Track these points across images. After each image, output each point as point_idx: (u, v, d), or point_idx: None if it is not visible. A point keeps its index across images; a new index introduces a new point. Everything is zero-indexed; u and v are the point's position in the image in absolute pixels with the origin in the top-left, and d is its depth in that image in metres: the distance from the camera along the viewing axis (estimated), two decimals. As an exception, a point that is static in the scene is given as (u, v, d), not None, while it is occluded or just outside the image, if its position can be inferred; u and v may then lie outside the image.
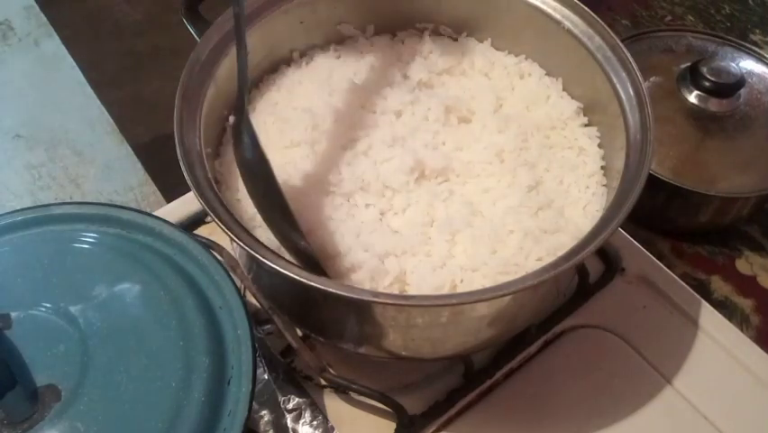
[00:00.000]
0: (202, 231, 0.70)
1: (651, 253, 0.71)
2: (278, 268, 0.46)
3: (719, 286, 0.75)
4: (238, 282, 0.53)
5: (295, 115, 0.60)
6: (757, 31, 1.00)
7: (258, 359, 0.52)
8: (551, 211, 0.56)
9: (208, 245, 0.55)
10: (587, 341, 0.65)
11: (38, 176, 0.84)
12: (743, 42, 0.83)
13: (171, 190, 0.79)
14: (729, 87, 0.75)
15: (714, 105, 0.76)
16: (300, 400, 0.60)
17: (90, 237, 0.53)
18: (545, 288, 0.56)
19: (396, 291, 0.52)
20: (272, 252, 0.48)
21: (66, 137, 0.87)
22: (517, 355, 0.63)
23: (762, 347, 0.64)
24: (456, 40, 0.69)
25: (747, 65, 0.81)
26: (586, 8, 0.61)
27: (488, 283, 0.52)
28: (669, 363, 0.63)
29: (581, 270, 0.67)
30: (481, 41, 0.68)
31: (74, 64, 0.94)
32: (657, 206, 0.75)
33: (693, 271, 0.76)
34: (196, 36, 0.60)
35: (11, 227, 0.54)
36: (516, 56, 0.67)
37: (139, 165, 0.85)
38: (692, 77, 0.77)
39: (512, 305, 0.53)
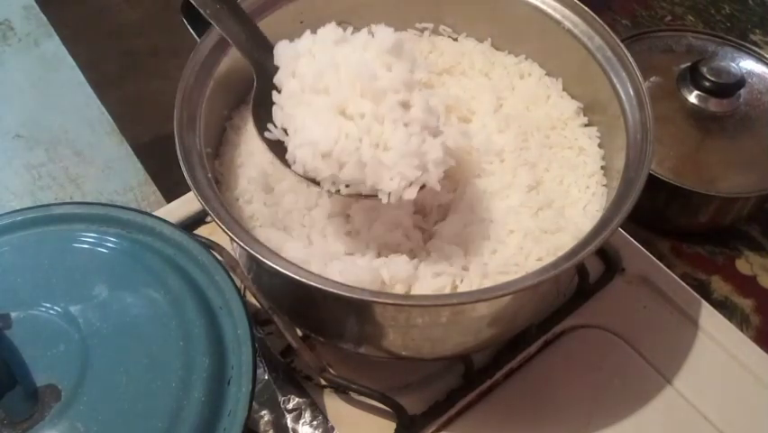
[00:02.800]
0: (202, 231, 0.70)
1: (651, 253, 0.71)
2: (278, 268, 0.46)
3: (719, 286, 0.75)
4: (238, 282, 0.53)
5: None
6: (757, 31, 1.00)
7: (258, 359, 0.52)
8: (551, 211, 0.56)
9: (208, 245, 0.55)
10: (587, 341, 0.65)
11: (38, 176, 0.84)
12: (743, 42, 0.83)
13: (171, 190, 0.79)
14: (729, 87, 0.75)
15: (714, 105, 0.76)
16: (300, 400, 0.60)
17: (90, 237, 0.53)
18: (545, 288, 0.56)
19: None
20: (272, 252, 0.48)
21: (66, 137, 0.87)
22: (517, 355, 0.63)
23: (762, 347, 0.64)
24: (456, 40, 0.69)
25: (747, 65, 0.81)
26: (586, 8, 0.61)
27: (488, 283, 0.52)
28: (669, 363, 0.63)
29: (581, 270, 0.67)
30: (481, 41, 0.68)
31: (74, 64, 0.94)
32: (657, 206, 0.75)
33: (693, 271, 0.76)
34: (196, 36, 0.60)
35: (11, 227, 0.54)
36: (516, 56, 0.67)
37: (139, 165, 0.85)
38: (692, 77, 0.77)
39: (512, 305, 0.53)
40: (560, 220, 0.56)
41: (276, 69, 0.53)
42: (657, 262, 0.70)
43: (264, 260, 0.46)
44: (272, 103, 0.52)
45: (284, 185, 0.57)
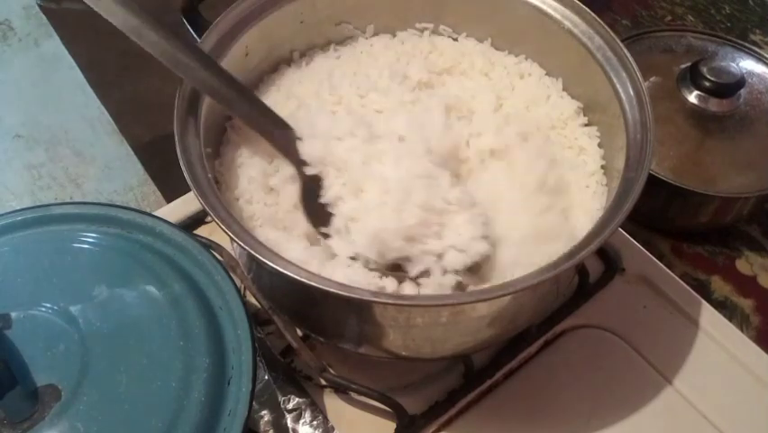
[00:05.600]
0: (202, 231, 0.70)
1: (651, 253, 0.71)
2: (278, 268, 0.46)
3: (719, 286, 0.75)
4: (238, 282, 0.53)
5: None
6: (757, 31, 1.00)
7: (258, 359, 0.52)
8: (551, 210, 0.56)
9: (208, 245, 0.55)
10: (587, 341, 0.65)
11: (38, 176, 0.84)
12: (743, 42, 0.83)
13: (171, 190, 0.79)
14: (729, 87, 0.75)
15: (714, 105, 0.76)
16: (300, 400, 0.60)
17: (90, 237, 0.53)
18: (545, 288, 0.56)
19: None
20: (272, 252, 0.48)
21: (66, 137, 0.87)
22: (517, 355, 0.63)
23: (762, 347, 0.64)
24: (456, 40, 0.69)
25: (747, 65, 0.81)
26: (586, 8, 0.61)
27: (488, 283, 0.52)
28: (669, 363, 0.63)
29: (581, 270, 0.67)
30: (481, 41, 0.68)
31: (74, 64, 0.94)
32: (657, 206, 0.75)
33: (693, 271, 0.76)
34: (196, 36, 0.60)
35: (11, 227, 0.54)
36: (516, 56, 0.67)
37: (139, 165, 0.85)
38: (692, 77, 0.77)
39: (512, 305, 0.53)
40: (560, 220, 0.56)
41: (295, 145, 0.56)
42: (657, 262, 0.70)
43: (264, 260, 0.46)
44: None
45: (284, 185, 0.57)
